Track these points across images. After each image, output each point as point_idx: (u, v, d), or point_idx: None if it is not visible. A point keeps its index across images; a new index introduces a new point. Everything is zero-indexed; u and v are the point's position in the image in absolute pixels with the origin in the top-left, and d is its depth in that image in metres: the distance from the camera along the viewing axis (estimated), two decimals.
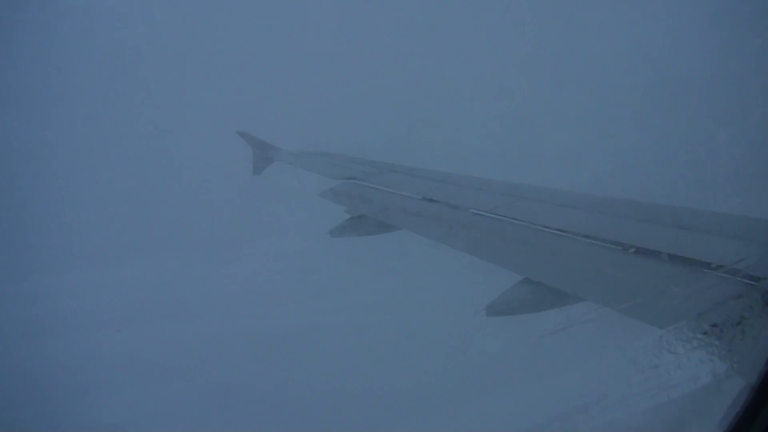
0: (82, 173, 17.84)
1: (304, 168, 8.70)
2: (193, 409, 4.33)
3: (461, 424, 3.41)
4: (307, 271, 5.82)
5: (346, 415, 3.81)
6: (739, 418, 1.53)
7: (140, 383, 4.73)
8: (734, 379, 2.44)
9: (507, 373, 3.93)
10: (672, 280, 3.36)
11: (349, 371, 4.43)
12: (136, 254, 8.28)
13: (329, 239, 5.80)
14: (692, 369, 2.64)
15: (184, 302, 6.06)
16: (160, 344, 5.29)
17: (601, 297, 3.57)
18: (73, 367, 5.03)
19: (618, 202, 4.90)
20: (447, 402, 3.82)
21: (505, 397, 3.72)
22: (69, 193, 15.59)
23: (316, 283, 5.52)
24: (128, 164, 17.65)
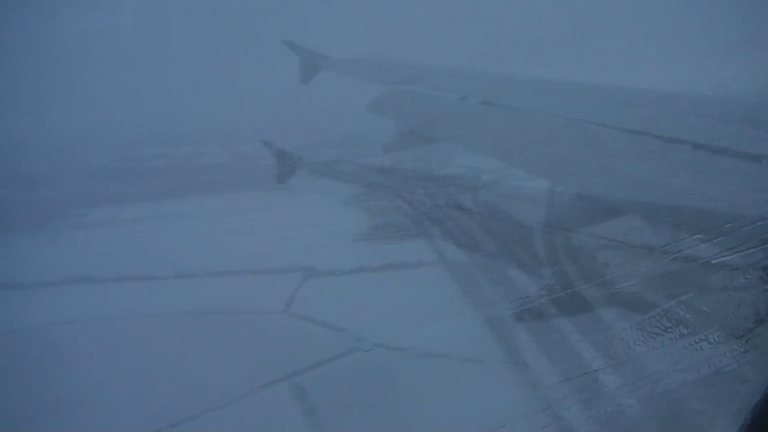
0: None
1: (349, 74, 8.45)
2: None
3: (457, 413, 3.32)
4: (327, 274, 5.47)
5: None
6: (754, 415, 1.45)
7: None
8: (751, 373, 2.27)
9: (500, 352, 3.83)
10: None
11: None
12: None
13: (354, 244, 5.77)
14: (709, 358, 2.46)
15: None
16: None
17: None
18: None
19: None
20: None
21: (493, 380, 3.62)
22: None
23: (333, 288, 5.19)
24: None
